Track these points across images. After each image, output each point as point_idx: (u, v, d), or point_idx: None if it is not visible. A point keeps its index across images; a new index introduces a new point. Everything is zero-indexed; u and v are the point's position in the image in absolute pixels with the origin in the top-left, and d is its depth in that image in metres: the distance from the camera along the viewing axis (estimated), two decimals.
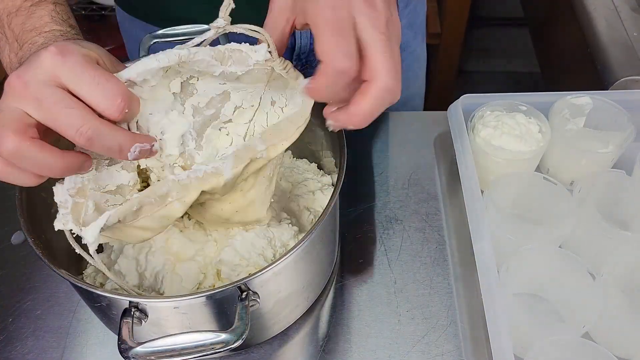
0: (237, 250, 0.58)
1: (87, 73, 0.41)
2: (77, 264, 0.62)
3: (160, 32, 0.66)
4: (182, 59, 0.45)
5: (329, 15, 0.41)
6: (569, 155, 0.71)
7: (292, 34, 0.58)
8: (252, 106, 0.53)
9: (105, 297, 0.49)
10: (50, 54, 0.40)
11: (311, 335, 0.62)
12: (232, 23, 0.47)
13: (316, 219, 0.52)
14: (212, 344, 0.45)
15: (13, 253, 0.68)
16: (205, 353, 0.45)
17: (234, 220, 0.56)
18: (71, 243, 0.45)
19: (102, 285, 0.59)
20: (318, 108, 0.59)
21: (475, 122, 0.73)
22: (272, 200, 0.59)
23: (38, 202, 0.56)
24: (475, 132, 0.71)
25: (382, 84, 0.41)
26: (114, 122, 0.43)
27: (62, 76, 0.40)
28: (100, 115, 0.41)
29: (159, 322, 0.50)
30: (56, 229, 0.45)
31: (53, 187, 0.46)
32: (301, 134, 0.52)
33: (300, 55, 0.77)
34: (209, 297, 0.48)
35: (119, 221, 0.45)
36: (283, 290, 0.54)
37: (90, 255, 0.47)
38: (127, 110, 0.42)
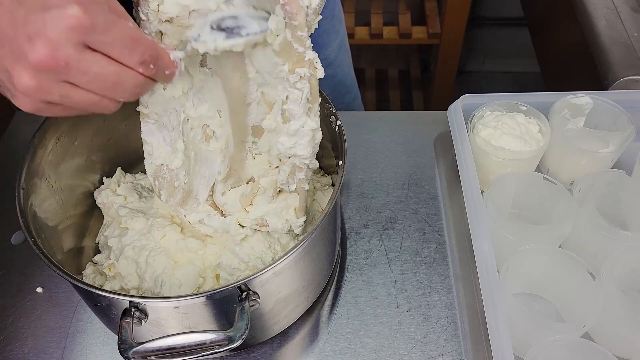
0: (236, 253, 0.58)
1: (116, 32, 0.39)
2: (77, 264, 0.62)
3: None
4: None
5: None
6: (569, 155, 0.71)
7: None
8: None
9: (105, 297, 0.49)
10: (75, 9, 0.37)
11: (311, 335, 0.62)
12: None
13: (316, 219, 0.52)
14: (212, 344, 0.45)
15: (13, 253, 0.68)
16: (205, 353, 0.45)
17: None
18: None
19: (100, 286, 0.59)
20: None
21: (475, 122, 0.73)
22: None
23: (38, 202, 0.56)
24: (475, 132, 0.71)
25: None
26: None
27: (89, 38, 0.38)
28: None
29: (159, 322, 0.50)
30: None
31: None
32: None
33: None
34: (209, 297, 0.48)
35: None
36: (283, 290, 0.54)
37: None
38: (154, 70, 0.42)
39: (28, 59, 0.37)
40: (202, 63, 0.53)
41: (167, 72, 0.44)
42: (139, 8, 0.48)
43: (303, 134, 0.52)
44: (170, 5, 0.47)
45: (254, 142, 0.58)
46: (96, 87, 0.39)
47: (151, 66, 0.41)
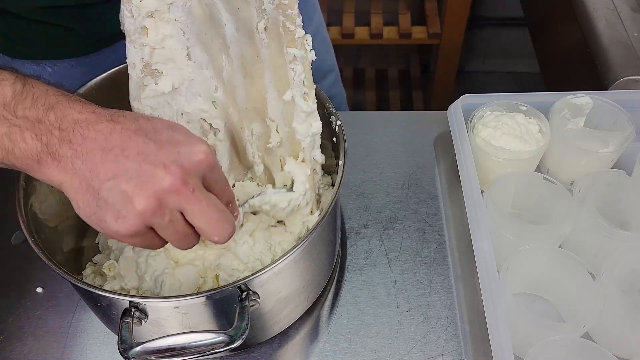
0: (236, 254, 0.58)
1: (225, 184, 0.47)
2: (77, 264, 0.62)
3: None
4: None
5: None
6: (569, 155, 0.70)
7: None
8: None
9: (105, 297, 0.49)
10: (204, 147, 0.44)
11: (311, 335, 0.62)
12: None
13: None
14: (212, 344, 0.45)
15: (13, 253, 0.68)
16: (205, 353, 0.45)
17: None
18: None
19: (100, 286, 0.59)
20: (317, 109, 0.59)
21: (475, 122, 0.73)
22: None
23: (38, 202, 0.56)
24: (475, 132, 0.71)
25: None
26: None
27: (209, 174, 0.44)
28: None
29: (159, 322, 0.50)
30: None
31: None
32: None
33: None
34: (209, 297, 0.48)
35: None
36: (283, 290, 0.54)
37: None
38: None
39: (162, 182, 0.41)
40: (189, 57, 0.53)
41: (235, 214, 0.49)
42: (123, 7, 0.49)
43: (296, 114, 0.54)
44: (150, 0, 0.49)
45: (249, 129, 0.58)
46: (204, 219, 0.44)
47: (230, 205, 0.48)
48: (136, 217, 0.41)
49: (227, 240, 0.46)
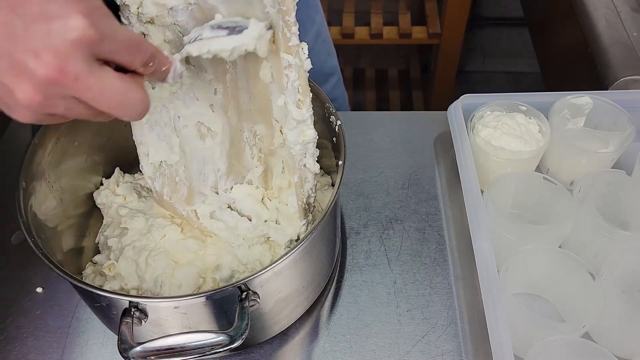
0: (235, 255, 0.58)
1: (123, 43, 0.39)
2: (77, 264, 0.62)
3: None
4: None
5: None
6: (569, 155, 0.71)
7: None
8: None
9: (105, 297, 0.49)
10: (80, 20, 0.35)
11: (311, 335, 0.62)
12: None
13: (316, 219, 0.52)
14: (212, 344, 0.45)
15: (13, 253, 0.68)
16: (205, 353, 0.45)
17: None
18: None
19: (100, 286, 0.59)
20: (317, 109, 0.59)
21: (475, 122, 0.73)
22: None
23: (38, 202, 0.56)
24: (475, 132, 0.71)
25: None
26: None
27: (97, 49, 0.37)
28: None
29: (159, 322, 0.50)
30: None
31: None
32: None
33: None
34: (209, 297, 0.48)
35: None
36: (283, 290, 0.54)
37: None
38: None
39: (35, 73, 0.35)
40: (187, 60, 0.53)
41: (163, 69, 0.44)
42: (120, 13, 0.49)
43: (287, 121, 0.53)
44: (149, 6, 0.48)
45: (251, 131, 0.58)
46: (102, 105, 0.39)
47: (151, 64, 0.42)
48: (25, 109, 0.37)
49: (142, 117, 0.42)
